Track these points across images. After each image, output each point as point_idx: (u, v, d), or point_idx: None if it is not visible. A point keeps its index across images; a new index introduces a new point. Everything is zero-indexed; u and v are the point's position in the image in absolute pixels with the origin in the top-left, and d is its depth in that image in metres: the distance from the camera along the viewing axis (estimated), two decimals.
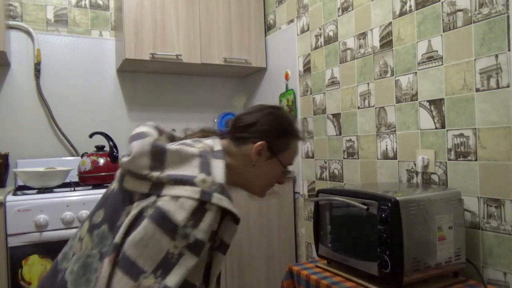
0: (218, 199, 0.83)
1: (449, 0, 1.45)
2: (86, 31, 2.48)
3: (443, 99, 1.49)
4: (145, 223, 0.80)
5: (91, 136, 2.10)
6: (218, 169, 0.89)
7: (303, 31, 2.26)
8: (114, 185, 0.92)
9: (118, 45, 2.43)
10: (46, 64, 2.36)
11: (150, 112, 2.65)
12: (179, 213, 0.80)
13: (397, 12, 1.67)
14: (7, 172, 2.14)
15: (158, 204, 0.81)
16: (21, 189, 1.97)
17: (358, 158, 1.90)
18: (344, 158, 1.99)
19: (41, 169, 1.90)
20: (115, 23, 2.51)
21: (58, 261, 0.92)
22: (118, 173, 0.92)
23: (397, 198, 1.20)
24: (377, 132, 1.79)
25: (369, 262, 1.28)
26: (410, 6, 1.60)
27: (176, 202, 0.81)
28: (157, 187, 0.84)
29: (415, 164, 1.61)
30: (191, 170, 0.86)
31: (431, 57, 1.53)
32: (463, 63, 1.41)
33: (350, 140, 1.95)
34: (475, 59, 1.37)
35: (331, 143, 2.07)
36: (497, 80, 1.30)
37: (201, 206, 0.82)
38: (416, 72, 1.59)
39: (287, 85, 2.42)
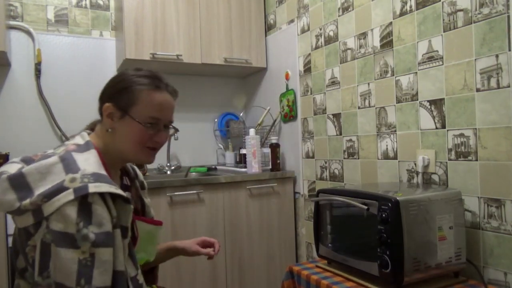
0: (95, 187, 0.82)
1: (449, 0, 1.45)
2: (86, 31, 2.48)
3: (443, 99, 1.49)
4: (52, 249, 0.80)
5: None
6: (87, 161, 0.88)
7: (303, 31, 2.26)
8: (15, 229, 0.92)
9: (118, 45, 2.43)
10: (47, 64, 2.36)
11: None
12: (68, 222, 0.79)
13: (398, 12, 1.67)
14: None
15: (50, 227, 0.80)
16: None
17: (358, 158, 1.90)
18: (344, 158, 1.99)
19: None
20: (116, 23, 2.51)
21: None
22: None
23: (398, 198, 1.20)
24: (377, 132, 1.79)
25: (369, 262, 1.28)
26: (411, 6, 1.60)
27: (60, 215, 0.80)
28: (38, 212, 0.81)
29: (415, 164, 1.61)
30: (57, 177, 0.83)
31: (431, 57, 1.53)
32: (463, 63, 1.41)
33: (350, 140, 1.95)
34: (475, 59, 1.37)
35: (331, 143, 2.07)
36: (498, 80, 1.30)
37: (84, 202, 0.81)
38: (416, 72, 1.59)
39: (287, 85, 2.42)
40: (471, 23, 1.38)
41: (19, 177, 0.84)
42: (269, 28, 2.63)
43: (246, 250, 2.19)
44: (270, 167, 2.33)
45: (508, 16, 1.27)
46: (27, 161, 0.94)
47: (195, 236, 2.05)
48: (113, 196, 0.87)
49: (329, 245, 1.50)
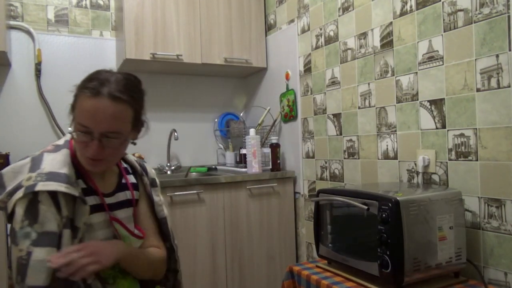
0: (43, 185, 0.85)
1: (449, 0, 1.45)
2: (86, 31, 2.48)
3: (443, 99, 1.49)
4: (12, 246, 0.85)
5: None
6: (53, 160, 0.91)
7: (303, 31, 2.26)
8: None
9: (118, 45, 2.43)
10: (47, 64, 2.36)
11: (150, 113, 2.63)
12: (15, 219, 0.84)
13: (398, 12, 1.67)
14: None
15: (12, 224, 0.86)
16: None
17: (358, 158, 1.90)
18: (344, 158, 1.99)
19: None
20: (116, 23, 2.51)
21: None
22: None
23: (398, 198, 1.20)
24: (377, 132, 1.79)
25: (369, 262, 1.28)
26: (411, 6, 1.60)
27: (14, 212, 0.85)
28: (5, 209, 0.88)
29: (415, 164, 1.61)
30: (22, 177, 0.88)
31: (431, 57, 1.53)
32: (463, 63, 1.41)
33: (350, 140, 1.95)
34: (475, 59, 1.37)
35: (331, 143, 2.07)
36: (498, 80, 1.30)
37: (33, 200, 0.85)
38: (416, 72, 1.59)
39: (287, 85, 2.42)
40: (472, 23, 1.38)
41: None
42: (269, 28, 2.63)
43: (246, 250, 2.19)
44: (270, 167, 2.33)
45: (509, 16, 1.26)
46: (34, 158, 0.97)
47: (195, 236, 2.05)
48: (72, 196, 0.89)
49: (329, 245, 1.49)
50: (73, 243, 0.89)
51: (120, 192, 1.07)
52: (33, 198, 0.84)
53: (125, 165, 1.16)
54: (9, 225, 0.88)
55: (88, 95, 0.89)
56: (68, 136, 1.01)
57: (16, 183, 0.87)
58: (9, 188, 0.88)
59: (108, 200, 1.03)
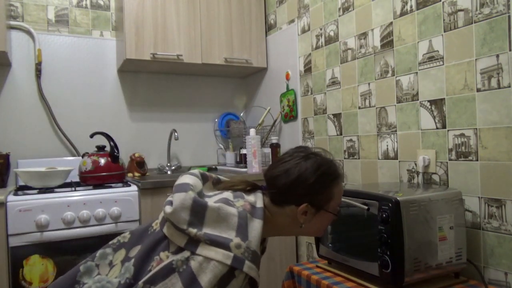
0: (248, 268, 0.84)
1: (450, 0, 1.45)
2: (87, 31, 2.48)
3: (444, 99, 1.49)
4: (172, 277, 0.82)
5: (92, 136, 2.10)
6: (255, 232, 0.89)
7: (304, 31, 2.26)
8: (156, 225, 0.94)
9: (119, 45, 2.43)
10: (47, 64, 2.37)
11: (151, 112, 2.65)
12: (208, 277, 0.81)
13: (398, 12, 1.66)
14: (8, 172, 2.15)
15: (190, 264, 0.83)
16: (22, 189, 1.97)
17: (359, 158, 1.90)
18: (345, 158, 1.99)
19: (42, 169, 1.90)
20: (116, 23, 2.51)
21: (79, 272, 0.93)
22: (161, 215, 0.95)
23: (398, 198, 1.19)
24: (378, 132, 1.79)
25: (369, 262, 1.28)
26: (411, 6, 1.60)
27: (208, 265, 0.82)
28: (193, 243, 0.85)
29: (416, 164, 1.61)
30: (228, 232, 0.87)
31: (432, 57, 1.53)
32: (464, 63, 1.41)
33: (351, 140, 1.95)
34: (476, 59, 1.37)
35: (332, 143, 2.07)
36: (498, 80, 1.30)
37: (231, 272, 0.83)
38: (417, 72, 1.59)
39: (287, 85, 2.42)
40: (472, 23, 1.38)
41: (202, 207, 0.88)
42: (269, 28, 2.63)
43: None
44: None
45: (509, 16, 1.26)
46: (204, 177, 1.05)
47: None
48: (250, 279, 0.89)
49: (330, 245, 1.49)
50: None
51: None
52: (231, 269, 0.83)
53: None
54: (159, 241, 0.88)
55: (341, 181, 1.04)
56: (259, 200, 0.97)
57: (218, 231, 0.86)
58: (208, 229, 0.86)
59: None
